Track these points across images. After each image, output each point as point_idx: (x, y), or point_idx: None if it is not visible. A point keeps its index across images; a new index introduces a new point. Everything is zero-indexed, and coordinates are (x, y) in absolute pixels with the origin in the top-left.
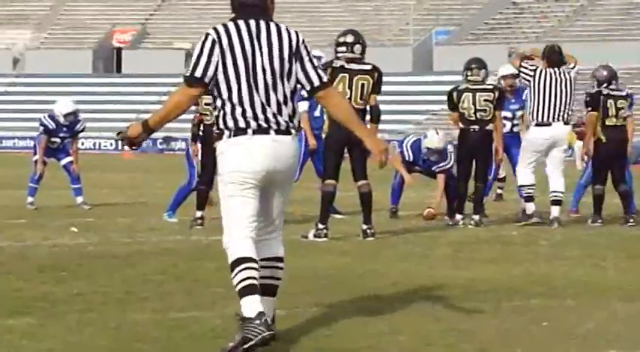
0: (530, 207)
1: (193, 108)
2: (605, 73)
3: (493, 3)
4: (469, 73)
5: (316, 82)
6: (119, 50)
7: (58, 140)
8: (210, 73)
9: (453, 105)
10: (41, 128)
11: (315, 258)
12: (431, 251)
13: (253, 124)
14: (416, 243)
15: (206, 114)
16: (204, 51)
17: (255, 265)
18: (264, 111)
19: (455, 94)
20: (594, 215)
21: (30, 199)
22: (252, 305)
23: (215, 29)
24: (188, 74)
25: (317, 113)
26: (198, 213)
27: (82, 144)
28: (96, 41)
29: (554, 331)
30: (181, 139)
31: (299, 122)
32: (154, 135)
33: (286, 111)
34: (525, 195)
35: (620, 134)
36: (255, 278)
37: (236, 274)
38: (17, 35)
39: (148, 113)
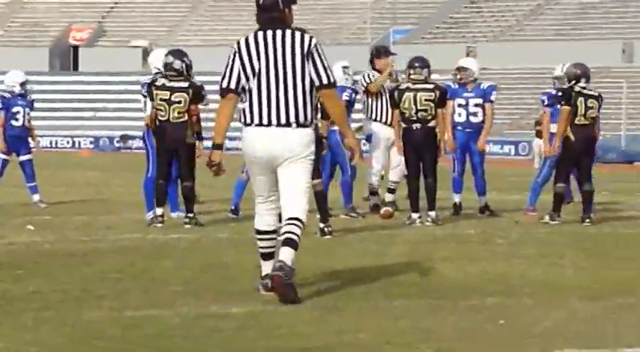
0: (389, 197)
1: (150, 104)
2: (574, 70)
3: (451, 2)
4: (412, 72)
5: (324, 81)
6: (76, 48)
7: (20, 110)
8: (235, 79)
9: (395, 103)
10: None
11: None
12: (387, 249)
13: (257, 118)
14: (372, 241)
15: (160, 110)
16: (229, 63)
17: (265, 236)
18: (269, 107)
19: (396, 94)
20: (553, 213)
21: None
22: (263, 268)
23: (238, 41)
24: (220, 86)
25: None
26: (159, 211)
27: (39, 142)
28: (52, 39)
29: (511, 330)
30: (139, 138)
31: (312, 115)
32: (111, 133)
33: (294, 106)
34: (387, 187)
35: (588, 132)
36: (266, 247)
37: (255, 241)
38: None
39: (105, 111)
